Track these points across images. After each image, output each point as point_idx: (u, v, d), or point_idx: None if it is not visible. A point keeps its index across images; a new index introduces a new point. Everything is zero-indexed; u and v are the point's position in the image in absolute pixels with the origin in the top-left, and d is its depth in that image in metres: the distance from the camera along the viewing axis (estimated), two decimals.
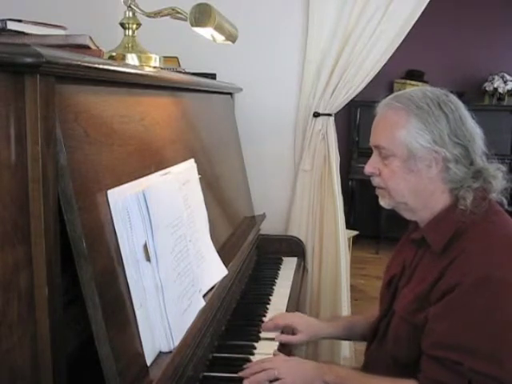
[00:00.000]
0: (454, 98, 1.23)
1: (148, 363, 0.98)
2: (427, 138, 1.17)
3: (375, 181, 1.27)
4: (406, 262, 1.31)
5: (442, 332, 1.12)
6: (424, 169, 1.20)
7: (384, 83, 5.15)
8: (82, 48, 1.11)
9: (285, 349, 1.48)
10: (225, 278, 1.45)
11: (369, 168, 1.27)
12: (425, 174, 1.20)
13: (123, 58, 1.36)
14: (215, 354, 1.39)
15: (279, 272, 2.10)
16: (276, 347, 1.45)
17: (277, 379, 1.24)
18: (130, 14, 1.40)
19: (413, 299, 1.20)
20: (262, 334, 1.52)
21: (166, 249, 1.08)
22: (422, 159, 1.19)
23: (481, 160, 1.21)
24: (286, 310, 1.73)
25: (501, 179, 1.21)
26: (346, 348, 2.44)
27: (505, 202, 1.24)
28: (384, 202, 1.28)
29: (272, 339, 1.49)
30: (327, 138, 2.37)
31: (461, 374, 1.09)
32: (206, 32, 1.45)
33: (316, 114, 2.35)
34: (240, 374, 1.27)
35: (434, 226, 1.23)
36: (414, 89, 1.28)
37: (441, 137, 1.17)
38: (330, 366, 1.32)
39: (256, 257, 2.21)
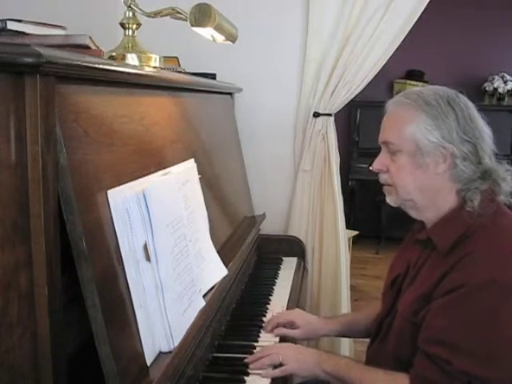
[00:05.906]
0: (464, 98, 1.23)
1: (148, 363, 0.98)
2: (435, 133, 1.17)
3: (382, 178, 1.27)
4: (411, 262, 1.30)
5: (439, 328, 1.12)
6: (432, 165, 1.19)
7: (384, 83, 5.16)
8: (82, 48, 1.11)
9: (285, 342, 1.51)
10: (225, 278, 1.45)
11: (376, 165, 1.26)
12: (432, 170, 1.19)
13: (123, 57, 1.36)
14: (215, 354, 1.39)
15: (279, 272, 2.10)
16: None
17: (280, 365, 1.29)
18: (130, 14, 1.40)
19: (415, 299, 1.20)
20: (262, 333, 1.55)
21: (165, 249, 1.08)
22: (430, 155, 1.18)
23: (490, 160, 1.20)
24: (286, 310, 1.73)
25: (510, 181, 1.20)
26: (346, 349, 2.44)
27: None
28: (391, 200, 1.28)
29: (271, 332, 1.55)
30: (327, 138, 2.37)
31: (449, 374, 1.09)
32: (206, 32, 1.45)
33: (316, 114, 2.34)
34: (246, 360, 1.33)
35: (440, 227, 1.22)
36: (425, 87, 1.27)
37: (449, 133, 1.17)
38: (330, 355, 1.35)
39: (256, 257, 2.21)
